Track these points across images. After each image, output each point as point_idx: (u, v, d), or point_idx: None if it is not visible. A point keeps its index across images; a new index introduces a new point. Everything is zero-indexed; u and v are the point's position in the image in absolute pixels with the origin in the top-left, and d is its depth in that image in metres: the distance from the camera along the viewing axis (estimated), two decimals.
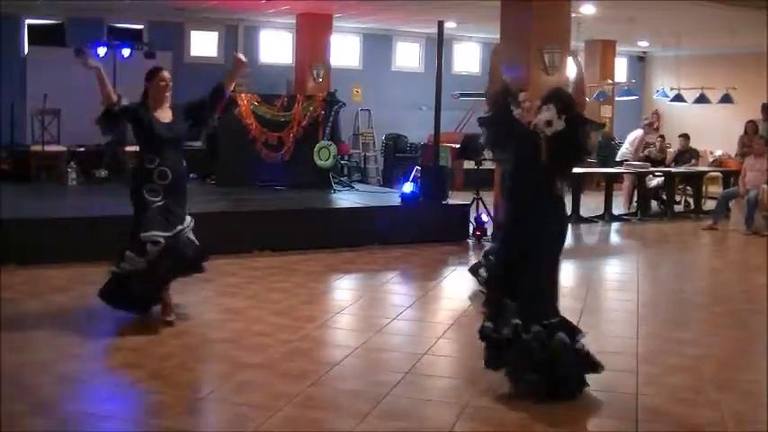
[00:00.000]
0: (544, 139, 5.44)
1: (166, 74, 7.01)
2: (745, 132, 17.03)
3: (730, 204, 14.60)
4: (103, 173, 13.93)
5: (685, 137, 17.12)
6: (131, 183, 7.00)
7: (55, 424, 4.81)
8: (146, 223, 6.73)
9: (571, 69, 8.67)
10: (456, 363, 6.54)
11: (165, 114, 6.94)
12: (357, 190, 14.20)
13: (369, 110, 19.55)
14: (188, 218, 7.10)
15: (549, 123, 5.41)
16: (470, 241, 11.77)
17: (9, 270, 8.57)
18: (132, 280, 6.77)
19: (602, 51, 20.45)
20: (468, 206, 12.20)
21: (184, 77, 12.43)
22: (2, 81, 15.32)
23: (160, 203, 6.79)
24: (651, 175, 15.86)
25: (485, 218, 11.84)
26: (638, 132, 16.94)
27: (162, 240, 6.69)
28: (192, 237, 7.09)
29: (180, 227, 6.91)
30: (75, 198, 12.60)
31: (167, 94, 6.98)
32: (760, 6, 13.40)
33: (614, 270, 10.57)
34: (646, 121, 17.61)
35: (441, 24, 12.57)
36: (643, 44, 21.86)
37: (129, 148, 14.17)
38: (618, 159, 16.98)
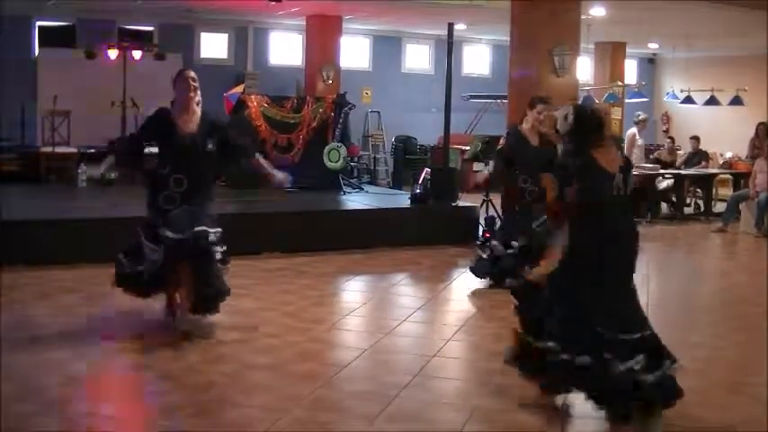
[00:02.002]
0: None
1: (191, 73, 6.71)
2: (756, 134, 16.96)
3: (740, 207, 14.55)
4: (113, 174, 13.93)
5: (696, 139, 17.08)
6: (148, 188, 6.77)
7: (64, 424, 4.82)
8: (149, 234, 6.67)
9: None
10: (465, 365, 6.54)
11: (190, 122, 6.65)
12: (367, 192, 14.19)
13: (378, 112, 19.56)
14: (215, 229, 6.68)
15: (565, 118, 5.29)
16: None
17: (18, 271, 8.59)
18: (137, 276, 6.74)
19: (613, 53, 20.41)
20: (477, 208, 12.18)
21: None
22: (12, 82, 15.37)
23: (176, 211, 6.52)
24: (661, 178, 15.83)
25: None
26: (632, 130, 16.84)
27: (154, 251, 6.58)
28: (213, 253, 6.67)
29: (193, 229, 6.48)
30: (85, 199, 12.62)
31: (193, 96, 6.64)
32: (763, 7, 13.38)
33: None
34: (639, 117, 17.47)
35: (451, 26, 12.56)
36: (653, 46, 21.83)
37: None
38: None
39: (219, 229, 6.72)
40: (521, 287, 5.80)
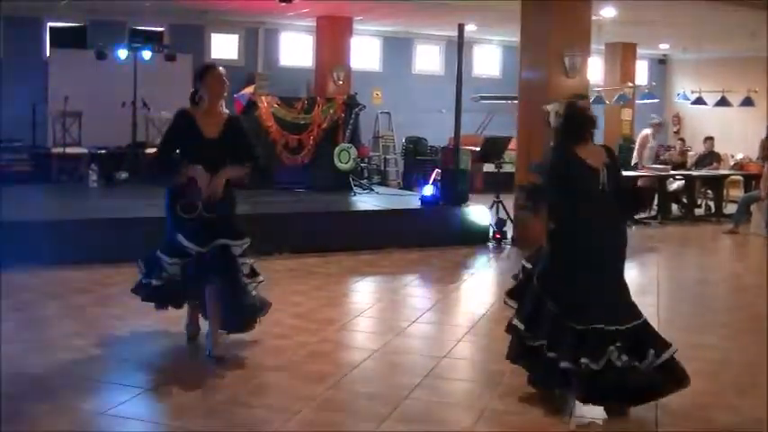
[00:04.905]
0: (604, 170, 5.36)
1: (223, 70, 6.13)
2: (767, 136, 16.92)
3: (751, 208, 14.51)
4: (124, 175, 13.99)
5: (710, 140, 17.02)
6: (166, 195, 6.14)
7: (74, 424, 4.83)
8: (166, 245, 6.17)
9: None
10: (475, 366, 6.53)
11: (213, 124, 6.07)
12: (377, 193, 14.20)
13: (389, 112, 19.56)
14: (241, 241, 6.16)
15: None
16: (490, 244, 11.76)
17: (29, 271, 8.61)
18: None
19: (623, 54, 20.40)
20: (488, 209, 12.18)
21: None
22: (24, 83, 15.44)
23: (194, 219, 5.99)
24: (672, 179, 15.80)
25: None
26: (646, 131, 16.78)
27: (175, 264, 6.10)
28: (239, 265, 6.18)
29: (217, 242, 6.02)
30: (96, 200, 12.66)
31: (224, 97, 6.17)
32: (764, 7, 13.35)
33: (634, 273, 10.51)
34: (654, 120, 17.40)
35: (461, 27, 12.55)
36: (664, 47, 21.78)
37: (149, 150, 14.28)
38: (632, 164, 16.89)
39: (247, 240, 6.21)
40: (516, 285, 5.75)
